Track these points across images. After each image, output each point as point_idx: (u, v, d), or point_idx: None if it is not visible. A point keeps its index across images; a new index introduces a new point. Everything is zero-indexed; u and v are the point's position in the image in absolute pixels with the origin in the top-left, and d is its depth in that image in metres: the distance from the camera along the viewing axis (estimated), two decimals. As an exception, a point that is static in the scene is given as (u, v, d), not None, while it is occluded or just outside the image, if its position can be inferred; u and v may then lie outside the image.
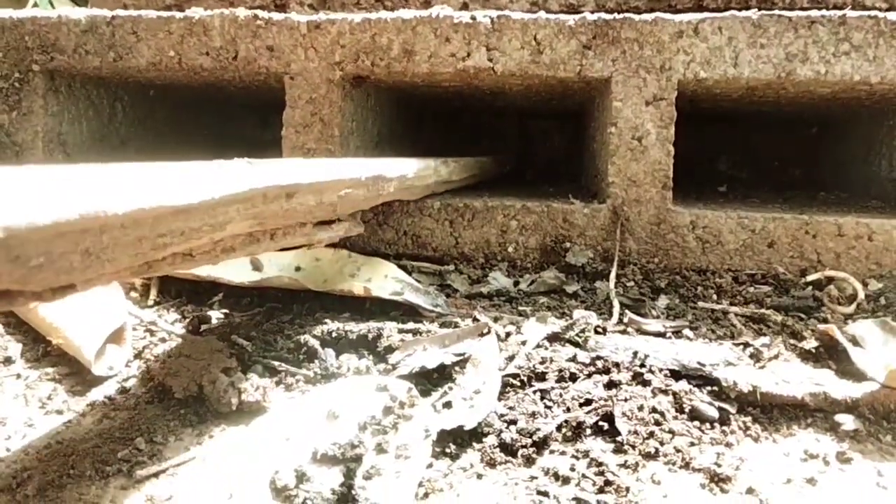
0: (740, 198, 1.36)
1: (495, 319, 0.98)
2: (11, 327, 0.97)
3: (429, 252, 1.16)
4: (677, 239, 1.10)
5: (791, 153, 1.73)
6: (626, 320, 0.96)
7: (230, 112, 1.96)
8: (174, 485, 0.66)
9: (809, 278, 1.06)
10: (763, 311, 1.00)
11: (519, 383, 0.81)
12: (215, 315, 1.01)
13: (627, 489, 0.65)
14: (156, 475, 0.68)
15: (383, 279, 1.07)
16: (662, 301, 1.05)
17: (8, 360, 0.90)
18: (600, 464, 0.69)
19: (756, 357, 0.88)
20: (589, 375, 0.84)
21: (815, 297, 1.04)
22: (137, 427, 0.75)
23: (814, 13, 1.02)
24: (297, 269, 1.12)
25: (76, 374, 0.87)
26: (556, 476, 0.67)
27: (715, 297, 1.06)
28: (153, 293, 1.08)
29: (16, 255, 0.36)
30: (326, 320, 0.97)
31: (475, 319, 0.95)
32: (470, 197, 1.18)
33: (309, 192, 0.73)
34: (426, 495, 0.65)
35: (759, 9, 1.10)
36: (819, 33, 1.03)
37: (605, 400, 0.78)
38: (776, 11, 1.02)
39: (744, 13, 1.03)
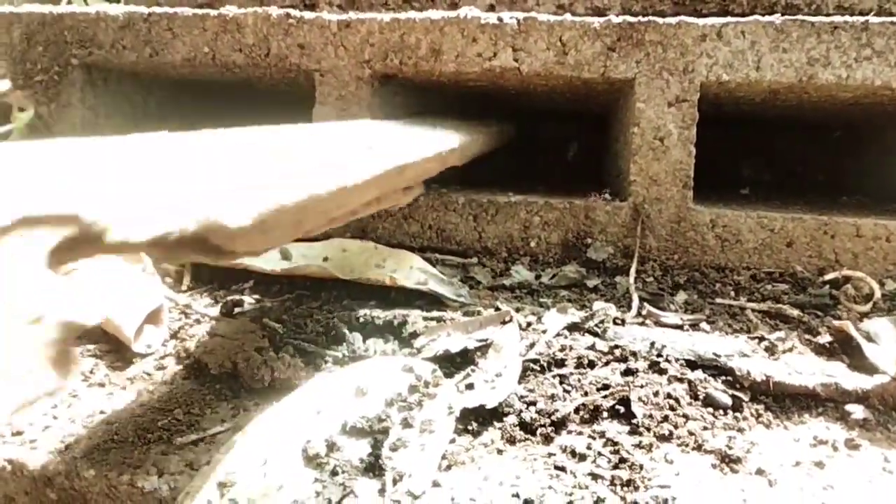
0: (762, 200, 1.40)
1: (517, 310, 1.03)
2: (53, 308, 1.03)
3: (453, 246, 1.21)
4: (697, 237, 1.14)
5: (814, 157, 1.77)
6: (644, 313, 1.01)
7: (258, 108, 2.02)
8: (211, 451, 0.72)
9: (827, 277, 1.10)
10: (780, 306, 1.04)
11: (539, 368, 0.86)
12: (247, 300, 1.07)
13: (641, 466, 0.70)
14: (194, 443, 0.73)
15: (408, 270, 1.12)
16: (681, 297, 1.09)
17: (50, 338, 0.96)
18: (615, 443, 0.73)
19: (771, 350, 0.92)
20: (607, 363, 0.88)
21: (832, 296, 1.08)
22: (175, 400, 0.81)
23: (837, 19, 1.06)
24: (325, 259, 1.18)
25: (116, 352, 0.93)
26: (573, 453, 0.72)
27: (733, 293, 1.10)
28: (187, 279, 1.14)
29: (262, 230, 0.51)
30: (353, 307, 1.02)
31: (497, 309, 1.00)
32: (494, 193, 1.23)
33: (412, 169, 0.89)
34: (449, 467, 0.70)
35: (784, 14, 1.14)
36: (841, 38, 1.07)
37: (622, 386, 0.82)
38: (799, 17, 1.06)
39: (767, 18, 1.08)
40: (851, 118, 1.42)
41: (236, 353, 0.86)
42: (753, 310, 1.04)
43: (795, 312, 1.02)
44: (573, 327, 0.96)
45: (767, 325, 1.01)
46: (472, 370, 0.84)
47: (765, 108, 1.35)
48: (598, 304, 1.01)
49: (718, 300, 1.08)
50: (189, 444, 0.73)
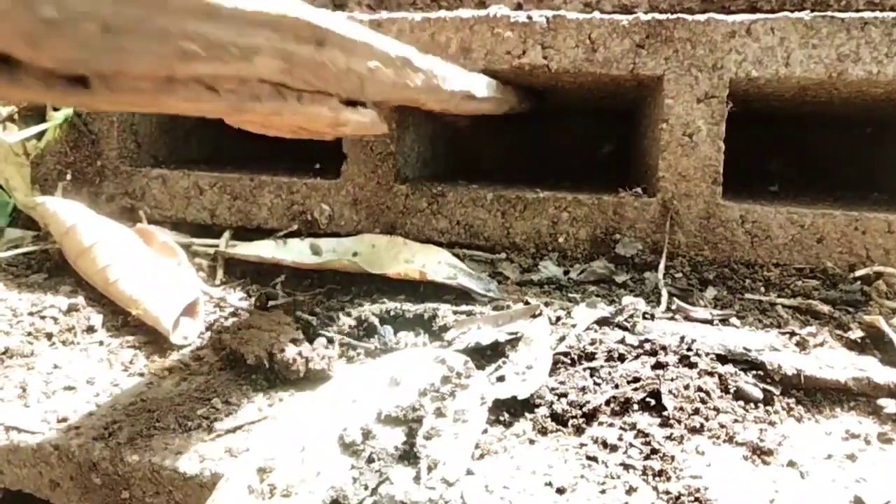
0: (791, 197, 1.39)
1: (546, 305, 1.03)
2: (92, 301, 1.05)
3: (481, 241, 1.22)
4: (726, 233, 1.14)
5: (845, 154, 1.76)
6: (673, 307, 1.01)
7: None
8: (250, 439, 0.74)
9: (858, 273, 1.10)
10: (810, 302, 1.04)
11: (569, 361, 0.87)
12: (280, 293, 1.08)
13: (672, 458, 0.70)
14: (233, 430, 0.75)
15: (437, 265, 1.13)
16: (710, 292, 1.09)
17: (91, 329, 0.98)
18: (647, 435, 0.74)
19: (802, 345, 0.92)
20: (637, 357, 0.89)
21: (863, 292, 1.07)
22: (213, 389, 0.83)
23: (867, 14, 1.06)
24: (355, 254, 1.19)
25: (154, 343, 0.95)
26: (605, 444, 0.73)
27: (763, 289, 1.10)
28: (220, 273, 1.16)
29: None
30: (384, 300, 1.03)
31: (527, 303, 1.01)
32: (522, 189, 1.24)
33: (339, 47, 0.65)
34: (482, 456, 0.71)
35: (813, 10, 1.14)
36: (871, 34, 1.07)
37: (653, 379, 0.83)
38: (828, 13, 1.06)
39: (796, 14, 1.08)
40: (883, 114, 1.41)
41: (271, 344, 0.87)
42: (784, 305, 1.04)
43: (826, 308, 1.02)
44: (603, 322, 0.96)
45: (798, 320, 1.01)
46: (503, 362, 0.85)
47: (794, 105, 1.34)
48: (628, 299, 1.02)
49: (748, 296, 1.08)
50: (228, 431, 0.75)
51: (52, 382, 0.84)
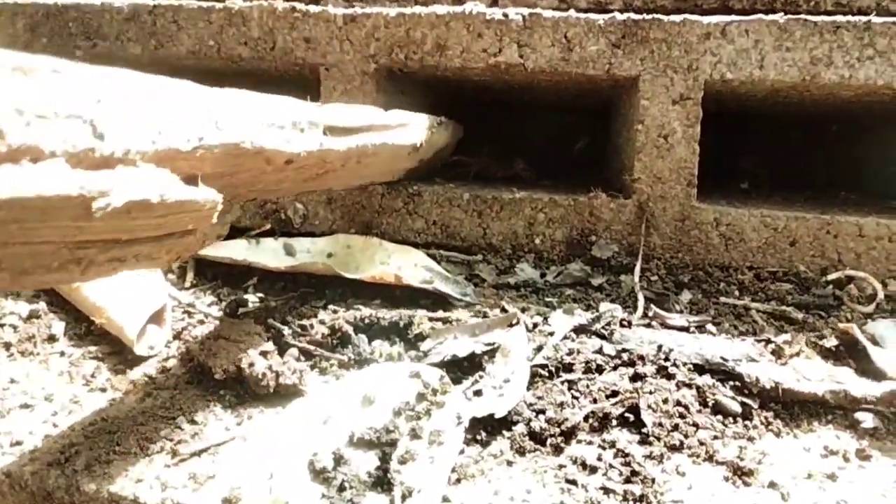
0: (763, 196, 1.35)
1: (523, 310, 0.98)
2: (55, 306, 0.98)
3: (457, 242, 1.16)
4: (701, 235, 1.10)
5: (812, 152, 1.72)
6: (650, 314, 0.97)
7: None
8: (216, 463, 0.67)
9: (830, 277, 1.06)
10: (784, 308, 0.99)
11: (547, 374, 0.81)
12: (251, 299, 1.02)
13: (653, 480, 0.66)
14: (198, 454, 0.69)
15: (413, 267, 1.07)
16: (685, 296, 1.05)
17: (52, 338, 0.91)
18: (626, 454, 0.69)
19: (778, 353, 0.88)
20: (615, 367, 0.84)
21: (836, 296, 1.03)
22: (179, 406, 0.76)
23: (839, 18, 1.00)
24: (329, 255, 1.13)
25: (118, 353, 0.88)
26: (584, 465, 0.68)
27: (737, 293, 1.06)
28: (190, 276, 1.09)
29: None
30: (359, 306, 0.97)
31: (504, 310, 0.96)
32: (498, 189, 1.18)
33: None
34: (458, 481, 0.65)
35: (785, 12, 1.09)
36: (844, 38, 1.02)
37: (631, 392, 0.78)
38: (802, 16, 1.01)
39: (770, 17, 1.02)
40: (850, 113, 1.37)
41: (240, 357, 0.81)
42: (758, 310, 1.00)
43: (800, 315, 0.98)
44: (580, 329, 0.91)
45: (773, 326, 0.97)
46: (480, 376, 0.80)
47: (766, 105, 1.30)
48: (605, 306, 0.97)
49: (723, 300, 1.03)
50: (193, 454, 0.69)
51: (7, 399, 0.77)
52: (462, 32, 1.11)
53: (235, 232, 1.20)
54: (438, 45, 1.11)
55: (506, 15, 1.09)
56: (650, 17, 1.05)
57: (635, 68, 1.07)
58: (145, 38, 1.20)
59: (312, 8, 1.15)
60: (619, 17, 1.06)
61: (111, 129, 0.40)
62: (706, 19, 1.04)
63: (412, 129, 1.00)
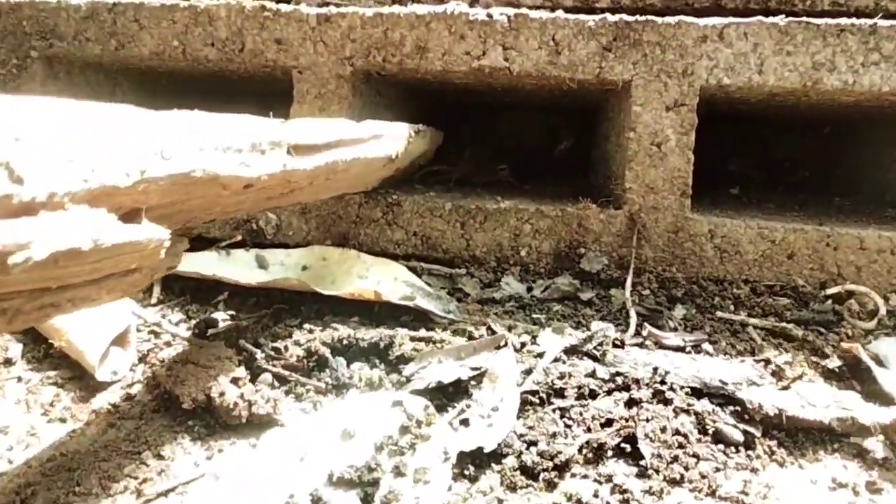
0: (755, 203, 1.34)
1: (509, 328, 0.96)
2: (10, 327, 0.94)
3: (439, 254, 1.13)
4: (695, 248, 1.08)
5: (803, 153, 1.72)
6: (644, 333, 0.95)
7: (234, 97, 1.92)
8: (184, 503, 0.64)
9: (829, 291, 1.05)
10: (783, 324, 0.98)
11: (538, 401, 0.79)
12: (221, 316, 0.99)
13: (653, 518, 0.64)
14: (164, 493, 0.66)
15: (393, 282, 1.05)
16: (679, 311, 1.03)
17: (8, 362, 0.88)
18: (624, 490, 0.67)
19: (778, 375, 0.86)
20: (609, 392, 0.82)
21: (836, 311, 1.02)
22: (144, 439, 0.73)
23: (843, 21, 0.99)
24: (304, 268, 1.10)
25: (79, 379, 0.85)
26: (580, 503, 0.66)
27: (732, 307, 1.04)
28: (156, 291, 1.05)
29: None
30: (336, 325, 0.94)
31: (490, 329, 0.93)
32: (482, 197, 1.16)
33: None
34: (446, 522, 0.63)
35: (779, 12, 1.08)
36: (848, 42, 1.01)
37: (627, 420, 0.76)
38: (804, 18, 1.00)
39: (771, 19, 1.01)
40: (845, 115, 1.37)
41: (210, 385, 0.78)
42: (755, 326, 0.98)
43: (800, 332, 0.96)
44: (571, 350, 0.89)
45: (771, 344, 0.95)
46: (468, 405, 0.77)
47: (758, 108, 1.29)
48: (596, 325, 0.95)
49: (719, 315, 1.02)
50: (160, 494, 0.66)
51: (-43, 434, 0.73)
52: (443, 34, 1.08)
53: (205, 243, 1.17)
54: (418, 47, 1.09)
55: (490, 15, 1.07)
56: (643, 18, 1.03)
57: (627, 72, 1.05)
58: (105, 39, 1.16)
59: (283, 7, 1.12)
60: (611, 18, 1.04)
61: (32, 170, 0.37)
62: (702, 21, 1.02)
63: (387, 140, 0.97)
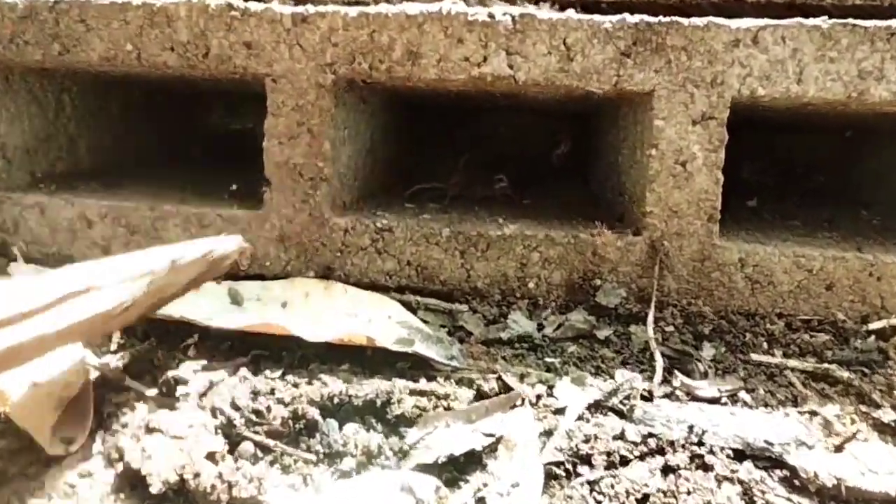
0: (779, 219, 1.29)
1: (521, 377, 0.91)
2: (-57, 387, 0.86)
3: (436, 286, 1.08)
4: (723, 278, 1.03)
5: (819, 158, 1.68)
6: (675, 383, 0.90)
7: (195, 98, 1.85)
8: None
9: (872, 326, 1.01)
10: (824, 366, 0.94)
11: (563, 472, 0.74)
12: (192, 367, 0.92)
13: None
14: None
15: (387, 321, 0.99)
16: (708, 351, 0.98)
17: (-60, 434, 0.80)
18: (671, 589, 0.62)
19: (827, 430, 0.82)
20: (641, 457, 0.77)
21: (880, 349, 0.98)
22: (107, 533, 0.67)
23: (894, 23, 0.94)
24: (284, 304, 1.03)
25: (28, 450, 0.78)
26: None
27: (765, 345, 1.00)
28: (115, 336, 0.98)
29: None
30: (324, 375, 0.88)
31: (501, 380, 0.88)
32: (484, 223, 1.10)
33: None
34: None
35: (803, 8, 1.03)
36: (898, 46, 0.96)
37: (665, 494, 0.71)
38: (849, 20, 0.95)
39: (812, 21, 0.96)
40: (869, 119, 1.32)
41: (182, 462, 0.71)
42: (794, 369, 0.94)
43: (844, 375, 0.92)
44: (595, 406, 0.84)
45: (814, 390, 0.91)
46: (484, 484, 0.72)
47: (784, 116, 1.24)
48: (620, 374, 0.90)
49: (753, 356, 0.97)
50: None
51: None
52: (438, 37, 1.02)
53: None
54: (410, 52, 1.02)
55: (492, 16, 1.00)
56: (667, 19, 0.98)
57: (649, 82, 0.99)
58: (47, 42, 1.08)
59: (254, 5, 1.04)
60: (630, 18, 0.98)
61: None
62: (734, 23, 0.97)
63: (108, 293, 0.81)
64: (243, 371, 0.91)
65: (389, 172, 1.46)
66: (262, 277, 1.09)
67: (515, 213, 1.21)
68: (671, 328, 1.02)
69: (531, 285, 1.06)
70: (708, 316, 1.03)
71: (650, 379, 0.92)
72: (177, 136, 1.76)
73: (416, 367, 0.92)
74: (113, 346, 0.97)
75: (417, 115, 1.72)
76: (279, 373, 0.90)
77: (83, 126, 1.33)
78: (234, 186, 1.23)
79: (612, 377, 0.92)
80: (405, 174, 1.63)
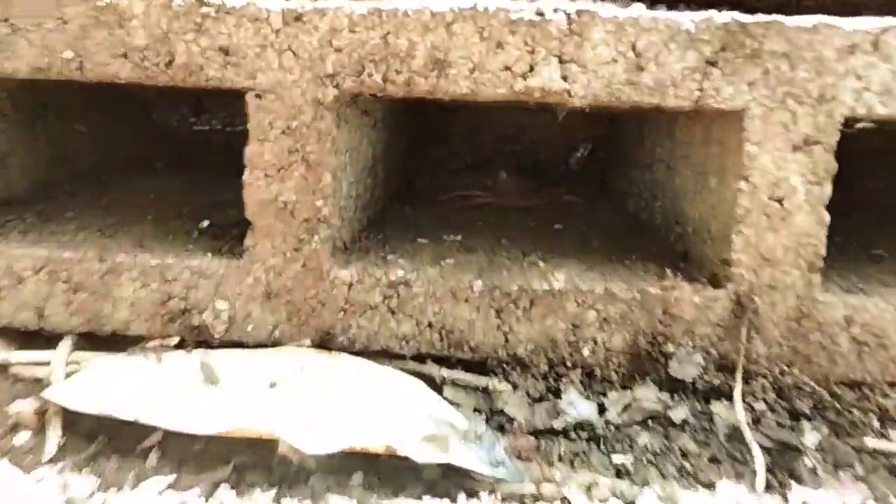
0: (888, 263, 1.07)
1: (588, 488, 0.70)
2: None
3: (465, 352, 0.86)
4: (824, 340, 0.84)
5: (867, 165, 1.48)
6: (790, 496, 0.69)
7: (154, 98, 1.60)
8: None
9: None
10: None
11: None
12: (155, 487, 0.69)
13: None
14: None
15: (409, 410, 0.77)
16: (811, 436, 0.79)
17: None
18: None
19: None
20: None
21: None
22: None
23: None
24: (273, 385, 0.81)
25: None
26: None
27: (877, 424, 0.81)
28: (54, 437, 0.75)
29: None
30: (330, 497, 0.67)
31: (566, 501, 0.66)
32: (525, 274, 0.87)
33: None
34: None
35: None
36: None
37: None
38: None
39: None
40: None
41: None
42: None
43: None
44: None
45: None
46: None
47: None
48: (724, 486, 0.69)
49: (868, 442, 0.77)
50: None
51: None
52: (472, 40, 0.79)
53: (122, 343, 0.86)
54: (436, 60, 0.80)
55: (541, 13, 0.78)
56: (766, 18, 0.76)
57: (740, 97, 0.78)
58: (-39, 45, 0.83)
59: (231, 1, 0.80)
60: (719, 17, 0.77)
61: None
62: (850, 23, 0.76)
63: None
64: (223, 491, 0.69)
65: (390, 186, 1.23)
66: (242, 345, 0.86)
67: (552, 247, 1.00)
68: (762, 405, 0.83)
69: (586, 352, 0.85)
70: (805, 388, 0.84)
71: (751, 483, 0.71)
72: (137, 138, 1.51)
73: (450, 475, 0.71)
74: (47, 455, 0.74)
75: (415, 114, 1.49)
76: (272, 492, 0.69)
77: (17, 140, 1.08)
78: (206, 223, 0.99)
79: (702, 484, 0.71)
80: (406, 182, 1.41)
